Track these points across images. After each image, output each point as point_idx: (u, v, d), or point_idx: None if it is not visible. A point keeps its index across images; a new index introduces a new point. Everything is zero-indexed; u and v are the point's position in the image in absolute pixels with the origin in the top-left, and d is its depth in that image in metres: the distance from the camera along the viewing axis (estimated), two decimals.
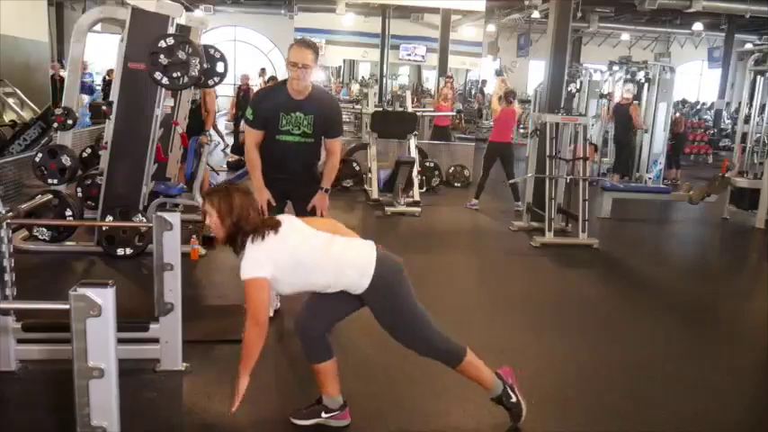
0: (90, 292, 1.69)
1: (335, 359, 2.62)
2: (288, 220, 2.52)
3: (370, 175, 7.80)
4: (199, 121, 6.96)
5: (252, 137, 3.44)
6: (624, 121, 9.50)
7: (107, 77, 12.55)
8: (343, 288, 2.45)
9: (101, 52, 13.83)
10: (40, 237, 4.91)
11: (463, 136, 13.70)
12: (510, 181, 7.50)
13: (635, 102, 9.58)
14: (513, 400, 2.67)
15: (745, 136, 8.66)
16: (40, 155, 4.85)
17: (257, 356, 2.41)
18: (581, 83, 10.63)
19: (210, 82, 5.71)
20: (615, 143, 9.90)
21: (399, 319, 2.49)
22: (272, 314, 3.47)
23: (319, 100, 3.42)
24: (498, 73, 8.26)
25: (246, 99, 10.09)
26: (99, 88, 13.09)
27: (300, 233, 2.47)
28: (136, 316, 3.10)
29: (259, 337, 2.38)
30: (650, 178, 9.60)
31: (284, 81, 3.44)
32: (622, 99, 9.63)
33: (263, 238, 2.36)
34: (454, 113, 11.78)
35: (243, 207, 2.39)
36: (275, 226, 2.41)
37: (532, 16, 15.42)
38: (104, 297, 1.70)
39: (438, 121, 10.89)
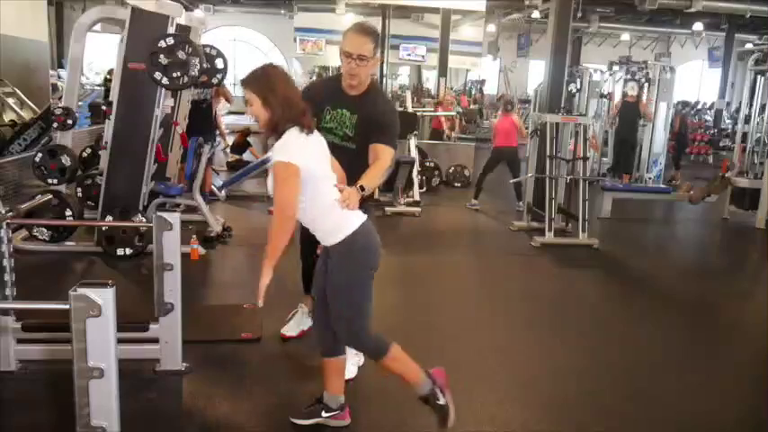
0: (90, 292, 1.68)
1: (344, 357, 2.63)
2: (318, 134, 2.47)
3: None
4: (200, 120, 6.95)
5: None
6: (629, 118, 9.52)
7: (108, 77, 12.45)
8: (318, 231, 2.41)
9: (101, 52, 13.81)
10: (39, 237, 4.91)
11: (463, 136, 13.72)
12: (512, 180, 7.51)
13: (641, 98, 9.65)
14: (441, 402, 2.50)
15: (745, 136, 8.65)
16: (40, 155, 4.86)
17: (281, 251, 2.26)
18: (581, 83, 10.63)
19: (214, 80, 5.73)
20: (618, 140, 9.90)
21: (347, 292, 2.42)
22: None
23: (372, 100, 2.88)
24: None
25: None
26: (99, 89, 13.03)
27: (327, 155, 2.44)
28: (136, 316, 3.10)
29: (287, 228, 2.25)
30: (650, 178, 9.60)
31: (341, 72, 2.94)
32: (629, 96, 9.63)
33: (306, 133, 2.31)
34: (454, 114, 11.84)
35: (287, 88, 2.31)
36: (312, 128, 2.36)
37: (532, 16, 15.42)
38: (104, 297, 1.69)
39: (435, 124, 11.04)
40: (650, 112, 9.46)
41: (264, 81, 2.28)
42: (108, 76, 12.37)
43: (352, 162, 2.72)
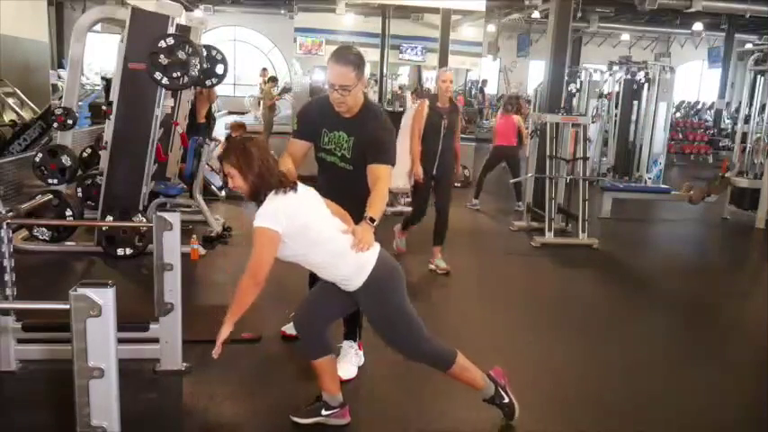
0: (90, 292, 1.69)
1: (333, 357, 2.64)
2: (306, 187, 2.51)
3: None
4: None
5: (290, 146, 2.98)
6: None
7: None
8: (335, 278, 2.46)
9: (101, 52, 13.81)
10: (40, 237, 4.91)
11: (463, 136, 13.70)
12: (512, 180, 7.51)
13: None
14: (506, 400, 2.70)
15: (745, 136, 8.64)
16: (40, 155, 4.86)
17: (244, 310, 2.37)
18: (581, 83, 10.63)
19: (208, 82, 5.71)
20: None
21: (388, 322, 2.51)
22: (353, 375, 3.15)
23: (366, 121, 2.83)
24: None
25: None
26: (98, 88, 13.04)
27: (317, 202, 2.49)
28: (136, 316, 3.10)
29: (252, 292, 2.35)
30: (650, 178, 9.59)
31: None
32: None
33: (284, 192, 2.35)
34: None
35: (262, 159, 2.36)
36: (295, 185, 2.41)
37: (532, 16, 15.41)
38: (104, 297, 1.70)
39: None
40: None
41: (240, 156, 2.34)
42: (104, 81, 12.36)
43: (349, 182, 2.79)
